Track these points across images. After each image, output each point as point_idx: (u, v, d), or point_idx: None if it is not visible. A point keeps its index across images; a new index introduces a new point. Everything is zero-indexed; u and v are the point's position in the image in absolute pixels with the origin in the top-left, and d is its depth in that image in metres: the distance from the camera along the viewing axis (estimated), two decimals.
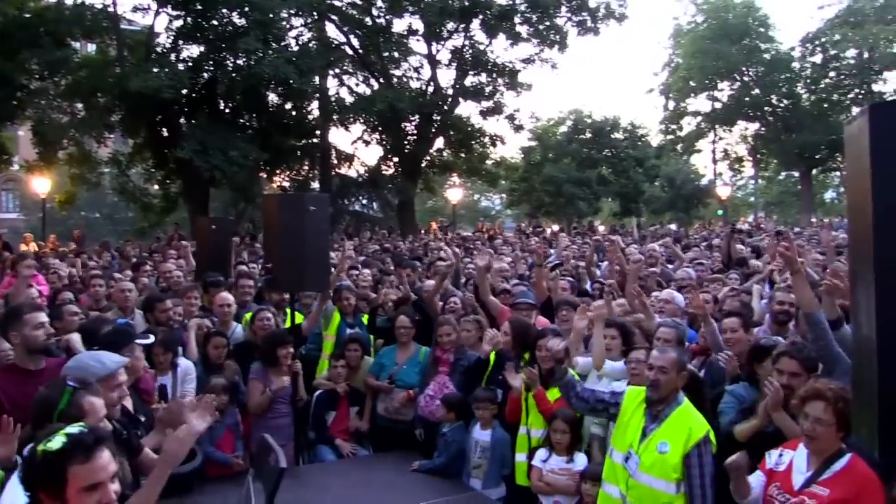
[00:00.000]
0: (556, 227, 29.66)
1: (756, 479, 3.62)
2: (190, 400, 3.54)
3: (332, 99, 26.73)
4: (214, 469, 5.54)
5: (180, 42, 22.60)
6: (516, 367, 5.52)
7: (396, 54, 26.97)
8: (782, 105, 43.33)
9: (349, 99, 27.11)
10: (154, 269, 9.97)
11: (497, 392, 5.64)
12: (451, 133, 28.20)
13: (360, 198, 31.00)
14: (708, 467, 3.80)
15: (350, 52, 27.08)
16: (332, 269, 7.33)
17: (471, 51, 27.96)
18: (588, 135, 37.93)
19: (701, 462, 3.78)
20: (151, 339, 5.29)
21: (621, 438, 4.08)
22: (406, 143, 27.57)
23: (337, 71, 27.38)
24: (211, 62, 22.55)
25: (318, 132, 27.25)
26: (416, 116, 26.78)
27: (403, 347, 6.67)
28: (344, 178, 29.55)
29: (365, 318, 7.69)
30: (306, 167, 29.07)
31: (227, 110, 23.40)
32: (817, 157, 41.58)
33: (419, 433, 6.19)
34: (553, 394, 5.14)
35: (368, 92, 26.91)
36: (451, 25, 27.50)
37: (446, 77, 28.81)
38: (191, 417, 3.12)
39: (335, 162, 29.36)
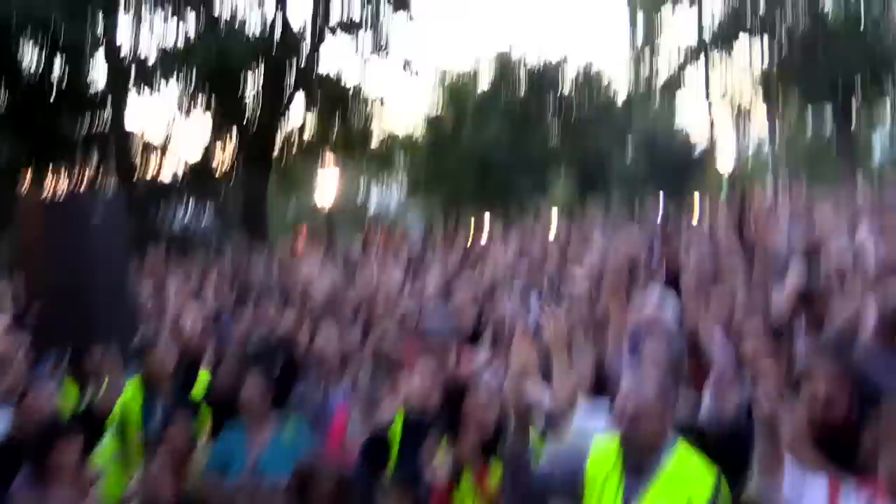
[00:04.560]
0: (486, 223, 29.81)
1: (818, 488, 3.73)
2: None
3: (128, 51, 26.21)
4: None
5: None
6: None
7: None
8: (802, 18, 44.74)
9: (154, 49, 26.67)
10: None
11: (415, 480, 5.53)
12: (316, 92, 28.13)
13: (182, 205, 30.42)
14: None
15: None
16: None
17: None
18: (524, 86, 38.46)
19: None
20: None
21: None
22: (248, 111, 27.40)
23: (131, 6, 26.76)
24: None
25: (108, 105, 26.59)
26: (261, 69, 26.67)
27: (256, 424, 6.55)
28: (153, 182, 28.97)
29: (203, 380, 7.51)
30: (95, 164, 28.21)
31: None
32: (856, 86, 43.01)
33: None
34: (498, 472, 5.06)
35: (183, 37, 26.57)
36: None
37: (301, 6, 28.75)
38: None
39: (138, 156, 28.73)
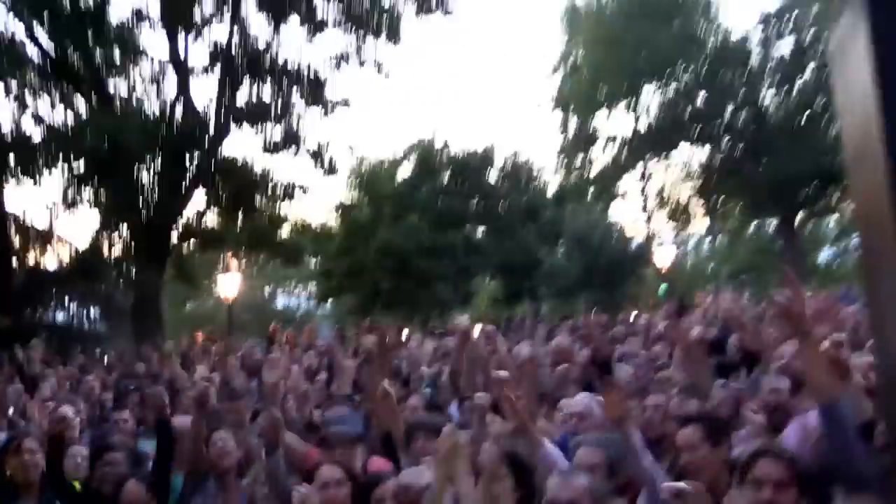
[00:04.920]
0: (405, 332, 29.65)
1: None
2: None
3: (9, 133, 25.90)
4: None
5: None
6: None
7: (117, 56, 26.69)
8: (740, 119, 45.74)
9: (37, 132, 26.46)
10: None
11: None
12: (219, 182, 28.16)
13: (65, 300, 29.88)
14: None
15: (37, 52, 26.51)
16: None
17: (243, 46, 28.28)
18: (446, 177, 38.74)
19: None
20: None
21: None
22: (143, 202, 27.22)
23: (13, 84, 26.57)
24: None
25: None
26: (157, 157, 26.61)
27: None
28: (35, 270, 28.46)
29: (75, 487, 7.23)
30: None
31: None
32: (803, 193, 43.79)
33: None
34: None
35: (72, 119, 26.45)
36: (208, 6, 27.81)
37: (205, 91, 28.78)
38: None
39: (18, 244, 28.24)
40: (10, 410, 9.63)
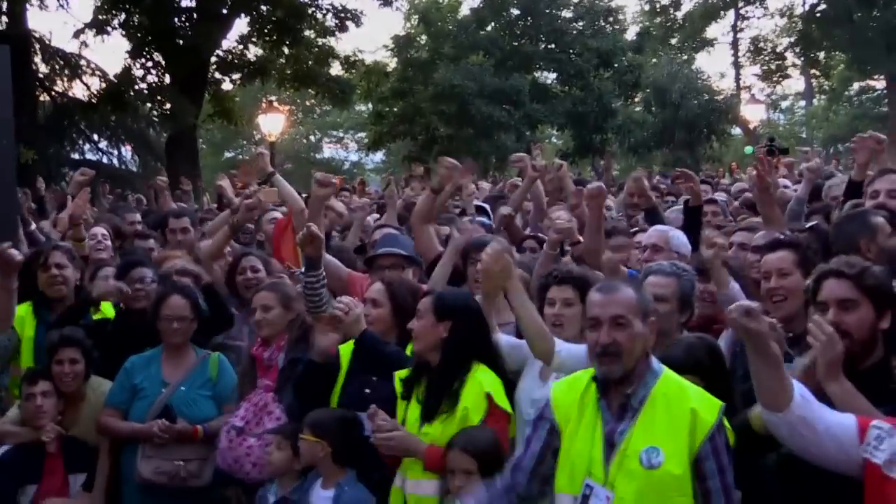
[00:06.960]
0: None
1: (840, 423, 3.72)
2: None
3: None
4: None
5: None
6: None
7: None
8: None
9: None
10: None
11: (358, 416, 5.50)
12: (263, 8, 28.05)
13: (95, 134, 30.08)
14: (729, 471, 3.84)
15: None
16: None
17: None
18: (514, 13, 38.30)
19: (720, 464, 3.81)
20: None
21: (567, 469, 4.03)
22: (177, 27, 27.29)
23: None
24: None
25: (6, 10, 26.27)
26: None
27: (174, 353, 6.53)
28: (62, 99, 28.67)
29: (105, 312, 7.35)
30: None
31: None
32: None
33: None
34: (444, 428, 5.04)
35: None
36: None
37: None
38: None
39: (44, 70, 28.40)
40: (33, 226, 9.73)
